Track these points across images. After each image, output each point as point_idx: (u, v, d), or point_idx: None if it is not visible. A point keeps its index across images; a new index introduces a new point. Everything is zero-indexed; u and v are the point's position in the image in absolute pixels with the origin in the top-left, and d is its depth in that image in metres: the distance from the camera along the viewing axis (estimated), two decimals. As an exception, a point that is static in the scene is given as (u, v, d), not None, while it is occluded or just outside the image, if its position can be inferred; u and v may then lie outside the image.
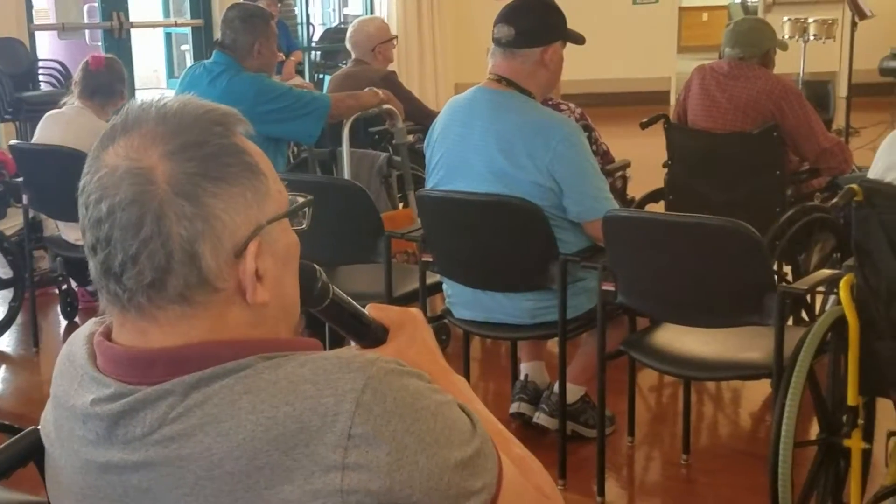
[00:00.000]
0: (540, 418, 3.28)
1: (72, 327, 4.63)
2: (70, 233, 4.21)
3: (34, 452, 1.14)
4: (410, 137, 4.57)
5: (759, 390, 3.66)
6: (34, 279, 4.45)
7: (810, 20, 7.85)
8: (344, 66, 5.69)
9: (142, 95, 4.49)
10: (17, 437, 1.17)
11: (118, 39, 7.47)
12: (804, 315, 3.88)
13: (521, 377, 3.42)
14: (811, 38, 7.78)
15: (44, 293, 4.83)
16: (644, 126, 4.38)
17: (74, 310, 4.68)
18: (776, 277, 3.25)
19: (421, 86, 9.43)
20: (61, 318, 4.71)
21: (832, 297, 3.51)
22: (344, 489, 0.94)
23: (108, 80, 4.28)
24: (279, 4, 7.95)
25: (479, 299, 3.14)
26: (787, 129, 3.94)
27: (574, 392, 3.24)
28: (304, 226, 1.10)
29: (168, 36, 10.80)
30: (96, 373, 1.04)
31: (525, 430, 3.26)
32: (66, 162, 3.83)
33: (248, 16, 3.98)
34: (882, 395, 2.64)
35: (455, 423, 1.01)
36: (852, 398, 2.47)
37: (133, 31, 7.80)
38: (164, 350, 1.01)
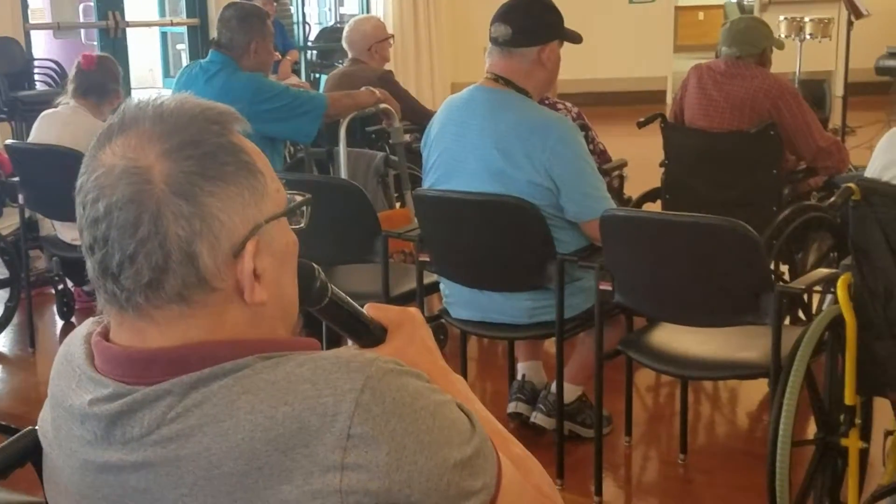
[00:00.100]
0: (537, 418, 3.29)
1: (68, 327, 4.62)
2: (66, 232, 4.20)
3: (32, 453, 1.14)
4: (407, 137, 4.57)
5: (755, 390, 3.67)
6: (30, 279, 4.45)
7: (806, 19, 7.85)
8: (340, 65, 5.69)
9: (137, 95, 4.48)
10: (14, 437, 1.17)
11: (114, 39, 7.46)
12: (801, 314, 3.88)
13: (519, 377, 3.42)
14: (807, 37, 7.78)
15: (40, 293, 4.82)
16: (641, 125, 4.38)
17: (71, 310, 4.67)
18: (773, 277, 3.25)
19: (417, 85, 9.43)
20: (58, 318, 4.70)
21: (829, 297, 3.51)
22: (343, 489, 0.94)
23: (100, 79, 4.26)
24: (275, 3, 7.95)
25: (477, 299, 3.13)
26: (783, 127, 3.94)
27: (571, 392, 3.24)
28: (302, 225, 1.10)
29: (164, 35, 10.80)
30: (94, 373, 1.04)
31: (522, 429, 3.26)
32: (63, 161, 3.83)
33: (244, 15, 3.98)
34: (879, 394, 2.64)
35: (454, 423, 1.01)
36: (850, 397, 2.47)
37: (129, 31, 7.79)
38: (162, 350, 1.01)
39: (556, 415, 3.11)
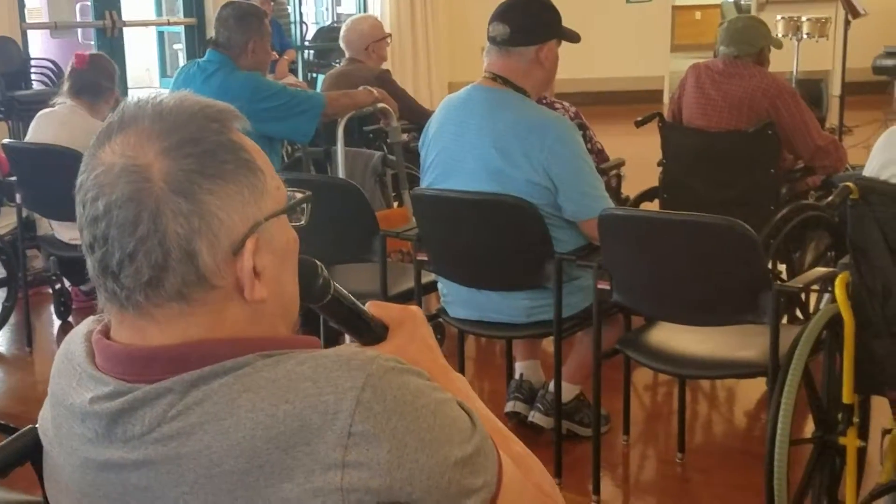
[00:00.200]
0: (535, 417, 3.29)
1: (65, 327, 4.62)
2: (64, 232, 4.19)
3: (32, 451, 1.13)
4: (405, 136, 4.57)
5: (753, 389, 3.67)
6: (28, 279, 4.44)
7: (804, 18, 7.85)
8: (337, 64, 5.69)
9: (134, 94, 4.47)
10: (14, 435, 1.16)
11: (111, 38, 7.45)
12: (798, 313, 3.89)
13: (517, 376, 3.42)
14: (804, 36, 7.79)
15: (37, 293, 4.82)
16: (639, 124, 4.38)
17: (68, 309, 4.67)
18: (771, 276, 3.25)
19: (414, 85, 9.42)
20: (55, 317, 4.70)
21: (827, 296, 3.52)
22: (344, 487, 0.94)
23: (93, 78, 4.24)
24: (272, 3, 7.94)
25: (475, 298, 3.13)
26: (781, 127, 3.95)
27: (569, 391, 3.24)
28: (302, 222, 1.10)
29: (161, 35, 10.78)
30: (95, 371, 1.04)
31: (520, 428, 3.26)
32: (60, 161, 3.82)
33: (242, 14, 3.98)
34: (877, 392, 2.64)
35: (455, 421, 1.01)
36: (847, 396, 2.47)
37: (126, 30, 7.78)
38: (163, 348, 1.01)
39: (554, 414, 3.11)
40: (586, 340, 3.12)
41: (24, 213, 4.29)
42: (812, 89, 5.57)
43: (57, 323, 4.69)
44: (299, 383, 0.97)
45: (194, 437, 0.97)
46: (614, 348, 3.00)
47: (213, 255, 0.99)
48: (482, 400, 1.21)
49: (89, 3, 7.89)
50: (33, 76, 7.41)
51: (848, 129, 7.64)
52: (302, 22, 10.13)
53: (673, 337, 2.95)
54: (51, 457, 1.10)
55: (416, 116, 4.78)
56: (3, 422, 2.09)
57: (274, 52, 5.59)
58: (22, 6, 7.29)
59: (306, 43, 10.03)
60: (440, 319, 3.32)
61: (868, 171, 2.53)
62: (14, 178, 4.20)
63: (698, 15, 15.19)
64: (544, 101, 3.57)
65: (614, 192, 4.28)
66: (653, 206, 4.30)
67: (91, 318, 1.11)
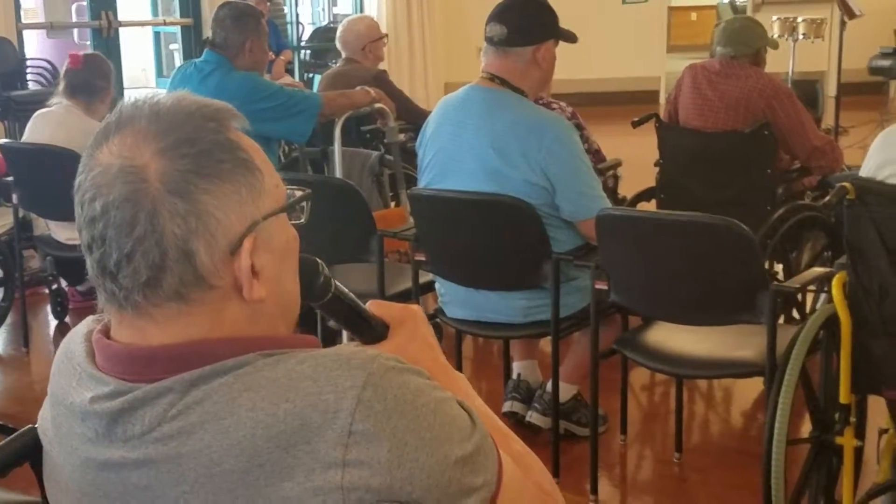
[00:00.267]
0: (533, 417, 3.29)
1: (62, 327, 4.62)
2: (61, 232, 4.19)
3: (31, 451, 1.13)
4: (402, 136, 4.57)
5: (750, 388, 3.67)
6: (24, 279, 4.44)
7: (799, 19, 7.85)
8: (334, 65, 5.68)
9: (131, 95, 4.46)
10: (14, 435, 1.16)
11: (107, 38, 7.44)
12: (795, 314, 3.89)
13: (514, 376, 3.42)
14: (800, 37, 7.79)
15: (34, 293, 4.81)
16: (636, 125, 4.38)
17: (64, 309, 4.67)
18: (767, 276, 3.25)
19: (411, 85, 9.42)
20: (51, 317, 4.69)
21: (823, 296, 3.52)
22: (344, 486, 0.94)
23: (87, 77, 4.24)
24: (269, 3, 7.93)
25: (472, 298, 3.13)
26: (778, 127, 3.95)
27: (567, 391, 3.24)
28: (302, 220, 1.10)
29: (157, 35, 10.76)
30: (95, 370, 1.04)
31: (518, 428, 3.25)
32: (56, 161, 3.82)
33: (239, 14, 3.98)
34: (874, 392, 2.64)
35: (455, 420, 1.01)
36: (844, 396, 2.48)
37: (122, 30, 7.77)
38: (163, 347, 1.01)
39: (552, 414, 3.11)
40: (584, 340, 3.12)
41: (21, 213, 4.28)
42: (808, 90, 5.57)
43: (53, 323, 4.68)
44: (300, 382, 0.97)
45: (195, 437, 0.96)
46: (612, 348, 3.00)
47: (211, 255, 0.99)
48: (480, 399, 1.21)
49: (85, 4, 7.88)
50: (29, 76, 7.40)
51: (844, 130, 7.65)
52: (298, 22, 10.13)
53: (670, 337, 2.95)
54: (51, 456, 1.10)
55: (413, 116, 4.78)
56: (1, 422, 2.08)
57: (270, 53, 5.59)
58: (18, 6, 7.28)
59: (303, 43, 10.03)
60: (437, 320, 3.31)
61: (865, 172, 2.53)
62: (11, 179, 4.20)
63: (694, 16, 15.20)
64: (541, 102, 3.56)
65: (611, 192, 4.28)
66: (650, 206, 4.30)
67: (91, 317, 1.11)
